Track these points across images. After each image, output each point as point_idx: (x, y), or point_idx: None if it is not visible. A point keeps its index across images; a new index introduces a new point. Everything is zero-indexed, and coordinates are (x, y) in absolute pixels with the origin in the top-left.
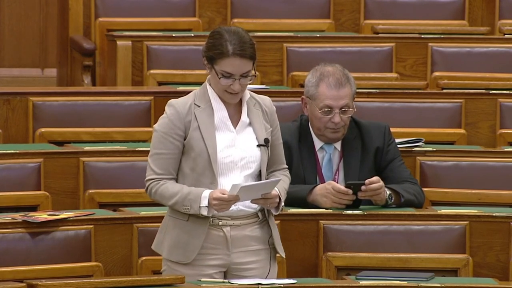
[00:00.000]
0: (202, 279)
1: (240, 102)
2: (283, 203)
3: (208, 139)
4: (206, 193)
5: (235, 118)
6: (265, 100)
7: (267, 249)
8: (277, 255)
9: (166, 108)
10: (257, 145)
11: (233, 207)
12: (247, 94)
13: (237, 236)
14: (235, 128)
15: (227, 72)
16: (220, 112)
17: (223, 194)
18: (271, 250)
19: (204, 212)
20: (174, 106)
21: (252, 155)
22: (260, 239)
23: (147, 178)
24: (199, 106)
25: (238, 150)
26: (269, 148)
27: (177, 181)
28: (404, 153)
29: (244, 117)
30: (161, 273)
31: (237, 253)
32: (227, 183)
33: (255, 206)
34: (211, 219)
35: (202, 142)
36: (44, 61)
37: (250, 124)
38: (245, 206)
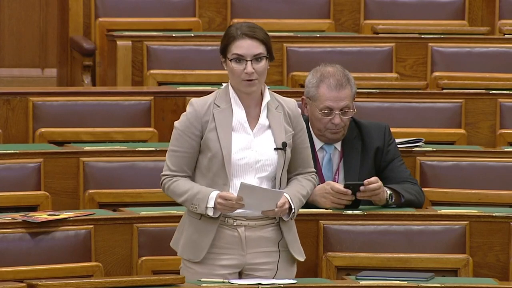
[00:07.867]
0: (202, 279)
1: (260, 104)
2: (294, 210)
3: (224, 140)
4: (213, 194)
5: (254, 121)
6: (289, 103)
7: (277, 252)
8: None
9: (187, 106)
10: (274, 148)
11: None
12: (268, 96)
13: (251, 237)
14: (252, 131)
15: (238, 55)
16: (239, 114)
17: (230, 196)
18: (280, 252)
19: (210, 213)
20: (193, 105)
21: (268, 158)
22: (273, 241)
23: (162, 173)
24: (218, 106)
25: (254, 152)
26: (286, 151)
27: (194, 179)
28: (404, 153)
29: (263, 120)
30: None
31: (252, 253)
32: None
33: None
34: (225, 219)
35: (217, 143)
36: (44, 61)
37: (269, 127)
38: None
